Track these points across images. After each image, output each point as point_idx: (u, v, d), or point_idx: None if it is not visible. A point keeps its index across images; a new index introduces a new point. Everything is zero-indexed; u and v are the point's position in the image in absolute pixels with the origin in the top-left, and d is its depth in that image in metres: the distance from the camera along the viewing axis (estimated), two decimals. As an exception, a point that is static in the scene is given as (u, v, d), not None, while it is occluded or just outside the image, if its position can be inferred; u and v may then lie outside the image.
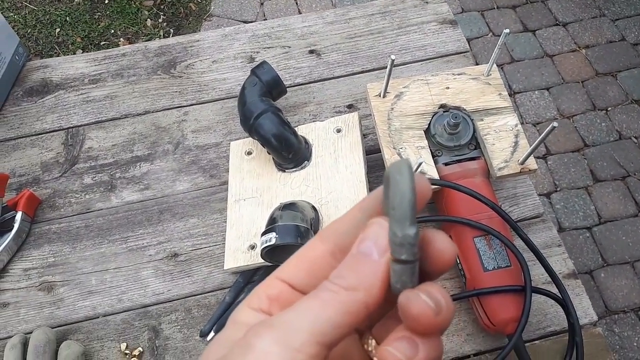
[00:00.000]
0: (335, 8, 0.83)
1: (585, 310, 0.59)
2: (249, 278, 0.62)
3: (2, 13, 0.74)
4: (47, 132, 0.74)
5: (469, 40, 1.77)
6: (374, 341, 0.23)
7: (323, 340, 0.19)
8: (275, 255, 0.57)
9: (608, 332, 1.34)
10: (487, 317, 0.55)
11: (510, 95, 1.69)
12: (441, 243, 0.22)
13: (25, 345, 0.57)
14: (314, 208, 0.61)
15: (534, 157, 0.59)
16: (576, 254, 1.44)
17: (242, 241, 0.61)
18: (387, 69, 0.59)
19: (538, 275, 0.60)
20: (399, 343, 0.20)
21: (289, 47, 0.79)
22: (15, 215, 0.65)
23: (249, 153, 0.67)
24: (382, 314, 0.24)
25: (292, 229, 0.56)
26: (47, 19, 1.75)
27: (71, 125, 0.74)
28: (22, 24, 1.74)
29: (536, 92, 1.70)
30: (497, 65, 0.64)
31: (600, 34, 1.82)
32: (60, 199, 0.69)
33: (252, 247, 0.60)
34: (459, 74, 0.65)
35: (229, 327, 0.22)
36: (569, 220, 1.49)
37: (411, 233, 0.20)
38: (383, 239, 0.21)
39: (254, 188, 0.65)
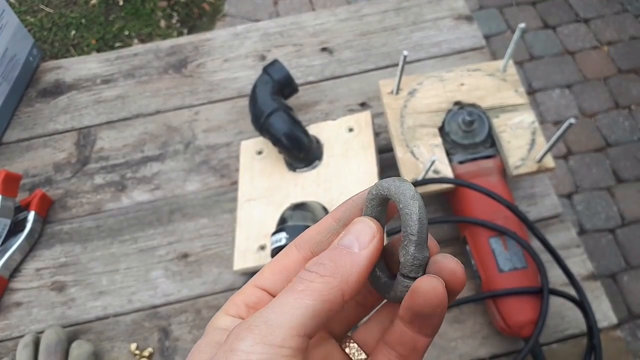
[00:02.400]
0: (349, 5, 0.81)
1: (605, 313, 0.57)
2: (259, 279, 0.61)
3: (19, 17, 0.74)
4: (59, 133, 0.74)
5: (487, 38, 1.74)
6: (355, 344, 0.24)
7: (304, 332, 0.20)
8: (285, 255, 0.56)
9: (631, 337, 1.30)
10: (503, 319, 0.53)
11: (530, 93, 1.65)
12: (450, 264, 0.22)
13: (37, 344, 0.57)
14: (324, 209, 0.60)
15: (554, 157, 0.57)
16: (598, 257, 1.41)
17: (252, 242, 0.60)
18: (400, 65, 0.58)
19: (555, 276, 0.58)
20: None
21: (301, 45, 0.78)
22: (27, 215, 0.65)
23: (260, 152, 0.67)
24: (360, 317, 0.25)
25: (302, 229, 0.55)
26: (63, 22, 1.77)
27: (83, 126, 0.74)
28: (38, 27, 1.76)
29: (557, 90, 1.67)
30: (516, 63, 0.62)
31: (622, 30, 1.77)
32: (72, 199, 0.69)
33: (262, 247, 0.60)
34: (474, 70, 0.63)
35: (208, 333, 0.23)
36: (591, 222, 1.46)
37: (427, 255, 0.22)
38: (365, 235, 0.22)
39: (265, 188, 0.64)
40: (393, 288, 0.23)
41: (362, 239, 0.22)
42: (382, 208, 0.23)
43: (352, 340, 0.24)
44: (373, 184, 0.23)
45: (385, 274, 0.24)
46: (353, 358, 0.24)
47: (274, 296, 0.23)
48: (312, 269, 0.21)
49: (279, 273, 0.23)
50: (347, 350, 0.24)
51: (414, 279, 0.22)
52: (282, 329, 0.19)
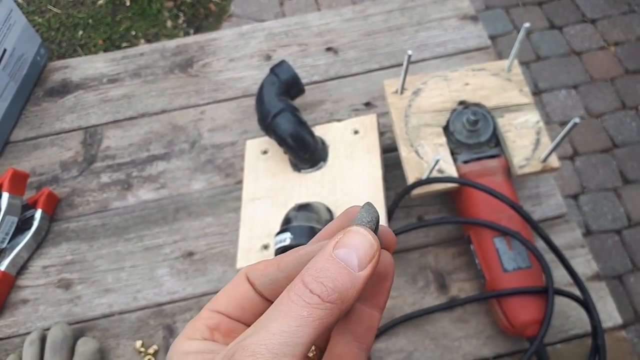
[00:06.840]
0: (354, 5, 0.82)
1: (610, 313, 0.57)
2: (263, 277, 0.61)
3: (27, 17, 0.75)
4: (66, 132, 0.75)
5: (493, 38, 1.74)
6: (316, 351, 0.25)
7: (302, 354, 0.20)
8: (289, 254, 0.56)
9: (638, 339, 1.30)
10: (507, 319, 0.53)
11: (536, 93, 1.65)
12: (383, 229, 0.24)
13: (43, 341, 0.58)
14: (328, 210, 0.60)
15: (560, 157, 0.57)
16: (604, 258, 1.40)
17: (256, 241, 0.61)
18: (404, 65, 0.58)
19: (560, 276, 0.57)
20: None
21: (306, 44, 0.79)
22: (34, 214, 0.66)
23: (265, 152, 0.67)
24: None
25: (306, 230, 0.55)
26: (70, 22, 1.78)
27: (90, 125, 0.75)
28: (46, 27, 1.77)
29: (563, 90, 1.66)
30: (522, 63, 0.62)
31: (630, 31, 1.76)
32: (79, 198, 0.69)
33: (266, 246, 0.60)
34: (478, 70, 0.63)
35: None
36: (597, 223, 1.45)
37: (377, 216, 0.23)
38: (365, 252, 0.21)
39: (269, 187, 0.64)
40: None
41: (362, 256, 0.21)
42: None
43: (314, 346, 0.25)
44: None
45: None
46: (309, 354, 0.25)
47: (230, 318, 0.24)
48: (314, 289, 0.20)
49: (233, 299, 0.24)
50: (309, 354, 0.25)
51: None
52: (287, 358, 0.19)
